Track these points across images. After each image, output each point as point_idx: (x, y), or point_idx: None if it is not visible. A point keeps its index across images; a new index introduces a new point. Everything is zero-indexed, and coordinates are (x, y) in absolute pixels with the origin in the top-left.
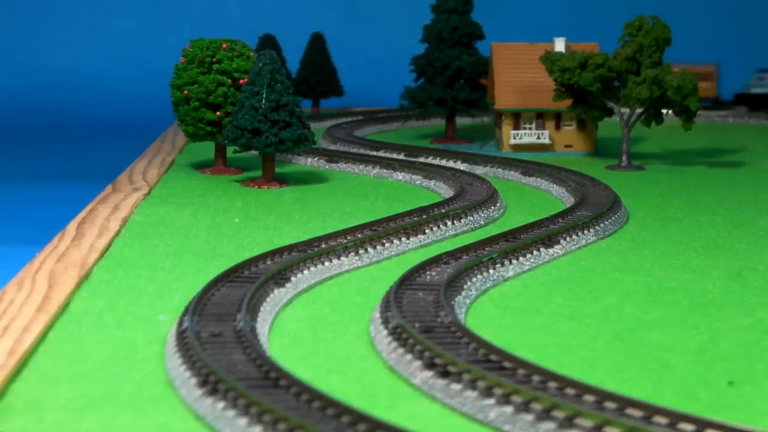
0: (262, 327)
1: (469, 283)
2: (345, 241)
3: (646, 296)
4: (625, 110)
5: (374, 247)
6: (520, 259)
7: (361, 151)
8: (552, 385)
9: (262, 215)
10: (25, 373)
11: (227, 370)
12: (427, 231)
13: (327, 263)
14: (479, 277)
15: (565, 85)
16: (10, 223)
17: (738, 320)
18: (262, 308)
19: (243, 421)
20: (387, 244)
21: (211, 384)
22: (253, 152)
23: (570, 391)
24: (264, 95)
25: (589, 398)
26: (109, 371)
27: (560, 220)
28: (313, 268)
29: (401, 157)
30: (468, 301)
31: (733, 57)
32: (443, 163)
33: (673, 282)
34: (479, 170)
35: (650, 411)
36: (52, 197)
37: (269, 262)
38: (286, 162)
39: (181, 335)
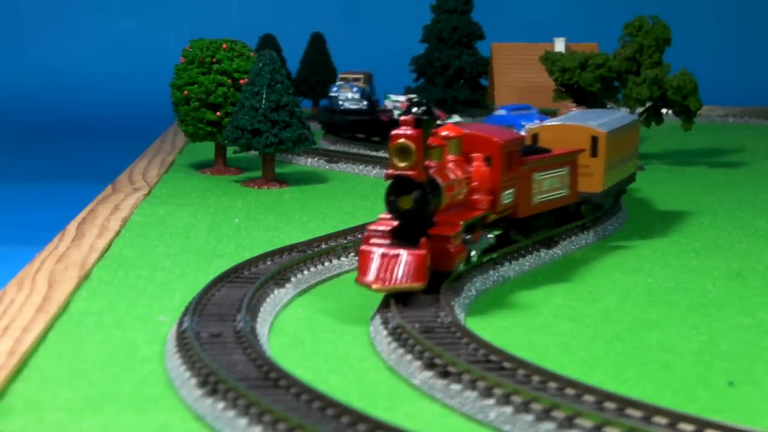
0: (262, 327)
1: (469, 284)
2: (345, 241)
3: (646, 296)
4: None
5: None
6: (520, 259)
7: (361, 151)
8: (552, 385)
9: (262, 215)
10: (25, 374)
11: (227, 370)
12: None
13: (327, 263)
14: (479, 277)
15: (565, 85)
16: (10, 224)
17: (738, 320)
18: (262, 308)
19: (243, 421)
20: None
21: (211, 384)
22: (253, 152)
23: (570, 391)
24: (264, 95)
25: (589, 398)
26: (109, 371)
27: None
28: (313, 269)
29: None
30: (468, 301)
31: (734, 59)
32: None
33: (673, 282)
34: None
35: (650, 411)
36: (52, 197)
37: (269, 263)
38: (286, 162)
39: (181, 335)
